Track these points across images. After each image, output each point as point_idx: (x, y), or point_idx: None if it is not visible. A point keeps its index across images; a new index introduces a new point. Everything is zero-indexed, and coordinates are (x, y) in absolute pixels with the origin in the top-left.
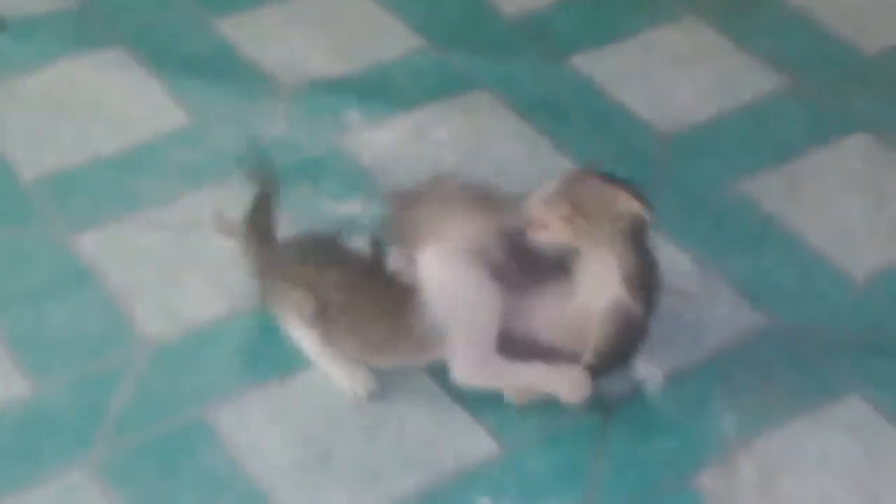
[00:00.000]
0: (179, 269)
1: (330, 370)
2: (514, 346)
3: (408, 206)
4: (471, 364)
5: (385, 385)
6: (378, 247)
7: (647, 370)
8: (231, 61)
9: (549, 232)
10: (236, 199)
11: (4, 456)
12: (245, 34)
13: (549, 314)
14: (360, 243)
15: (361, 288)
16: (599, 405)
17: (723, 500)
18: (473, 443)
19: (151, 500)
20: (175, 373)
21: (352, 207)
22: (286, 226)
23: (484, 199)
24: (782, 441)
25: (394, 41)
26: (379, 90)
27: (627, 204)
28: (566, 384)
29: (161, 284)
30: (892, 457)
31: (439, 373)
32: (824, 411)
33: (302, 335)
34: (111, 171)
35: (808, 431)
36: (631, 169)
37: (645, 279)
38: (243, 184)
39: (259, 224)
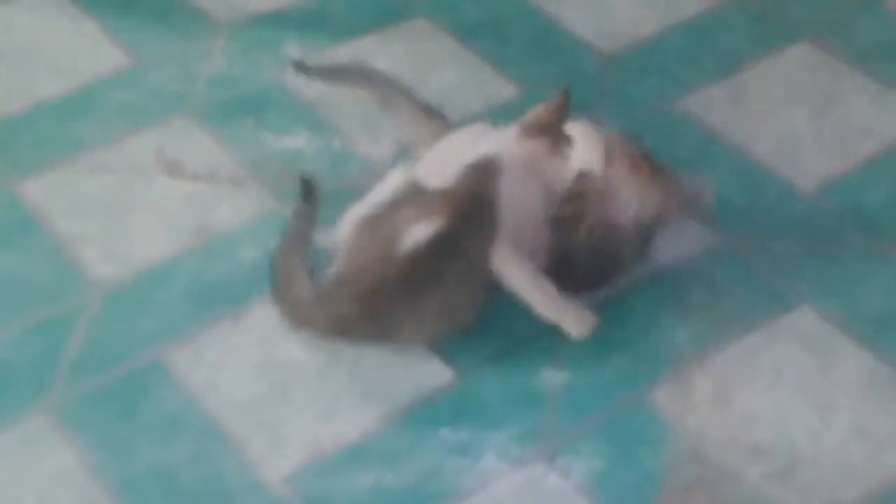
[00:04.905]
0: (126, 211)
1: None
2: None
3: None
4: (509, 251)
5: None
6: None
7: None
8: None
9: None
10: (178, 138)
11: None
12: None
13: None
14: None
15: None
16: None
17: (679, 416)
18: (429, 373)
19: (111, 443)
20: (128, 315)
21: (296, 141)
22: (231, 163)
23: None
24: (736, 355)
25: None
26: (317, 22)
27: None
28: (573, 318)
29: (108, 227)
30: (844, 366)
31: None
32: (776, 323)
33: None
34: (52, 116)
35: (761, 344)
36: (574, 90)
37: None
38: (185, 123)
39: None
